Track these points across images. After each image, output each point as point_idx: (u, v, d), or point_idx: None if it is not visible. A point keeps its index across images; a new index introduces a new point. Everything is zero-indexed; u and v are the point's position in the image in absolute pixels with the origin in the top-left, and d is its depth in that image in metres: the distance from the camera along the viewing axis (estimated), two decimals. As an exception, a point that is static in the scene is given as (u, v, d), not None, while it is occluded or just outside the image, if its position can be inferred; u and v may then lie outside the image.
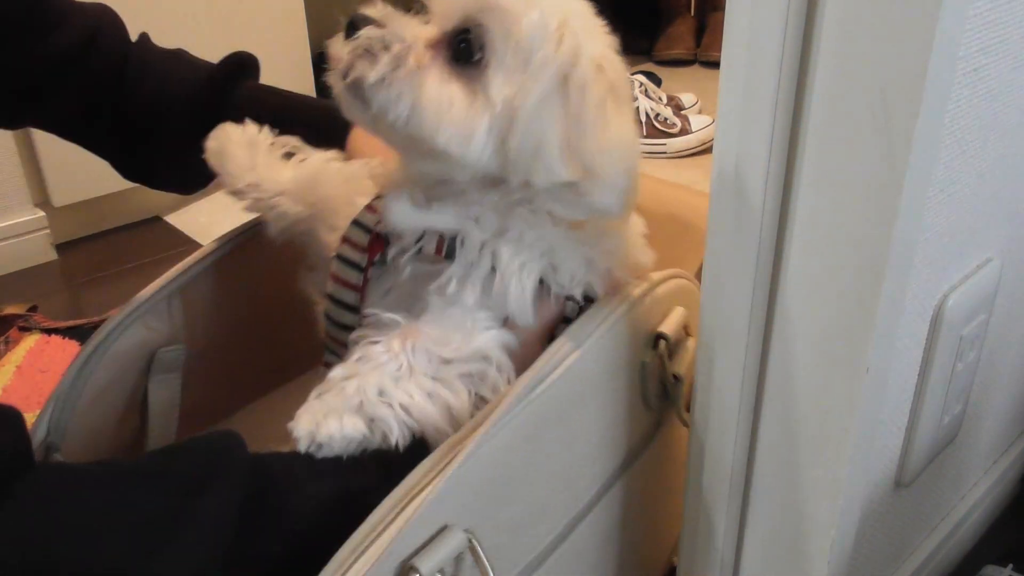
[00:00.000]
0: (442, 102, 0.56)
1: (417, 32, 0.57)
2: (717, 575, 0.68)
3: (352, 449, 0.55)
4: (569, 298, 0.62)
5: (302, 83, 1.82)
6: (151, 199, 1.75)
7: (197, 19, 1.66)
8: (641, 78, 1.91)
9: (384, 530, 0.49)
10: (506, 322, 0.61)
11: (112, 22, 0.81)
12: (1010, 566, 0.81)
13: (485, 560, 0.52)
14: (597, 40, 0.58)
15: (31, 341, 1.29)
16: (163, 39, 0.85)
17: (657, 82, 2.01)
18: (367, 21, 0.57)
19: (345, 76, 0.57)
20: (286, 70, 1.78)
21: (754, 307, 0.57)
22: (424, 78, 0.56)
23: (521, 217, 0.60)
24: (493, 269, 0.59)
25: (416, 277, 0.62)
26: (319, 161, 0.75)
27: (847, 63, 0.48)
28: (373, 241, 0.64)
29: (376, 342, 0.57)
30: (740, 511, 0.65)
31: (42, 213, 1.61)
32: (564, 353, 0.59)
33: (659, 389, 0.68)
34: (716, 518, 0.66)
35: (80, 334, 1.30)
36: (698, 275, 0.64)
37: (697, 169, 1.79)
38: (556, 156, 0.56)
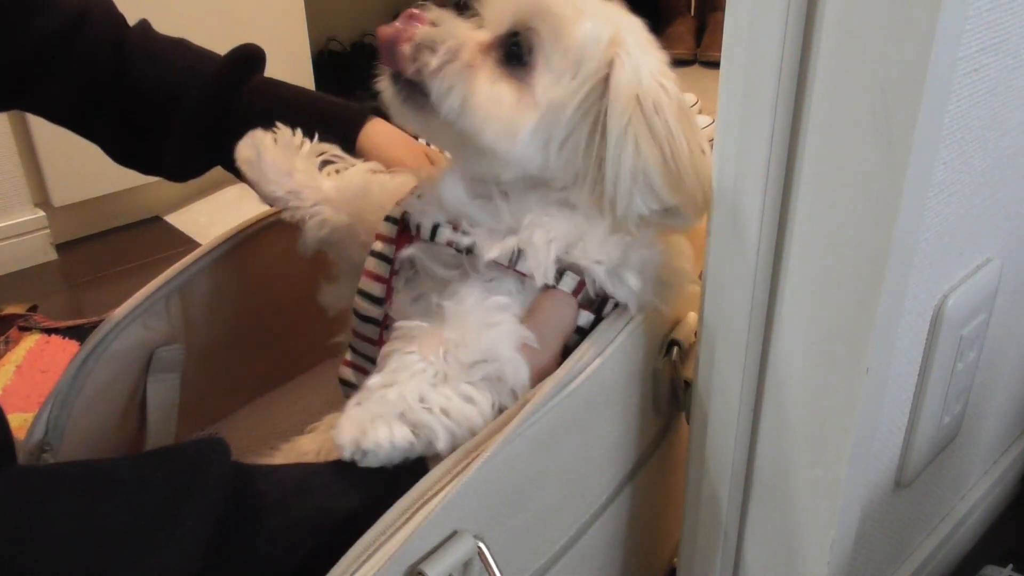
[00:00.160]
0: (491, 99, 0.57)
1: (469, 34, 0.59)
2: (717, 575, 0.68)
3: (396, 458, 0.54)
4: (592, 301, 0.61)
5: (302, 83, 1.82)
6: (151, 199, 1.75)
7: (197, 19, 1.66)
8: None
9: (394, 534, 0.49)
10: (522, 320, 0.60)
11: (103, 8, 0.81)
12: (1010, 566, 0.81)
13: (494, 566, 0.52)
14: (652, 56, 0.59)
15: (31, 341, 1.29)
16: (163, 39, 0.85)
17: (657, 82, 2.01)
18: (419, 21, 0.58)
19: (398, 75, 0.58)
20: (286, 70, 1.77)
21: (754, 307, 0.57)
22: (476, 75, 0.57)
23: (555, 213, 0.60)
24: (516, 259, 0.59)
25: (435, 279, 0.62)
26: (363, 171, 0.75)
27: (847, 63, 0.48)
28: (400, 232, 0.64)
29: (411, 352, 0.57)
30: (740, 511, 0.65)
31: (42, 213, 1.61)
32: (587, 360, 0.58)
33: (670, 395, 0.67)
34: (716, 518, 0.65)
35: (80, 334, 1.30)
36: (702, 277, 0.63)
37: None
38: (660, 182, 0.57)
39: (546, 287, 0.59)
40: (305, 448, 0.70)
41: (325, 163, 0.76)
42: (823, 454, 0.57)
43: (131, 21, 0.84)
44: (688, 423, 0.67)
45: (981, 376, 0.75)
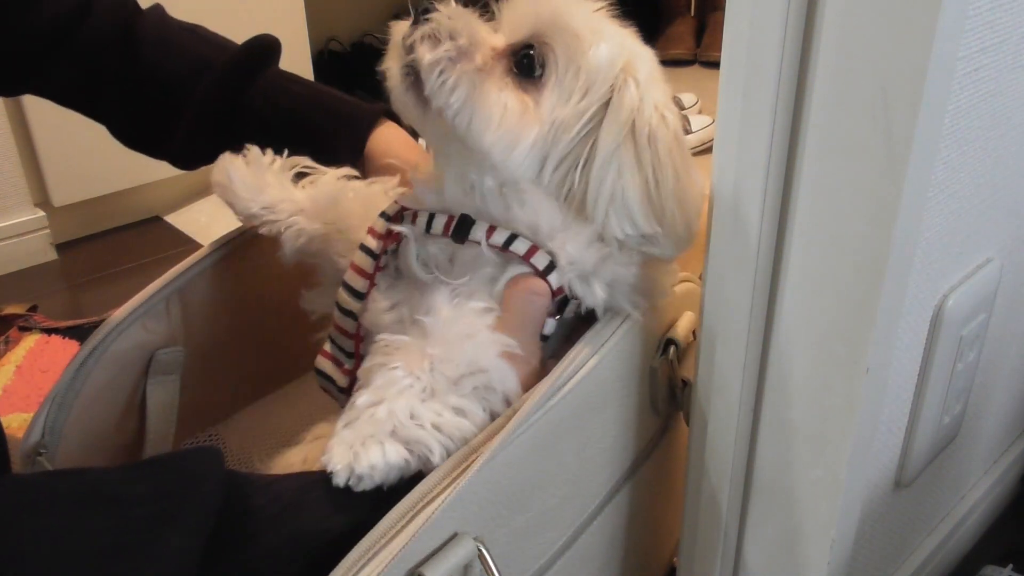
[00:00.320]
0: (497, 105, 0.57)
1: (485, 36, 0.59)
2: (717, 575, 0.68)
3: (393, 478, 0.53)
4: (572, 298, 0.61)
5: (302, 83, 1.82)
6: (151, 199, 1.75)
7: (197, 19, 1.66)
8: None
9: (394, 537, 0.49)
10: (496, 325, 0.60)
11: None
12: (1010, 566, 0.81)
13: (495, 568, 0.52)
14: (659, 88, 0.60)
15: (31, 341, 1.29)
16: (162, 39, 0.85)
17: (657, 82, 2.01)
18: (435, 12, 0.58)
19: (405, 58, 0.58)
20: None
21: (754, 307, 0.57)
22: (485, 78, 0.57)
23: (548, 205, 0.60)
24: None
25: (412, 281, 0.62)
26: (335, 179, 0.75)
27: (847, 63, 0.48)
28: (389, 231, 0.64)
29: (396, 367, 0.57)
30: (740, 511, 0.65)
31: (42, 213, 1.61)
32: (582, 360, 0.58)
33: (667, 394, 0.67)
34: (716, 518, 0.65)
35: (80, 334, 1.30)
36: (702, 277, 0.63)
37: (697, 169, 1.78)
38: (638, 209, 0.57)
39: (515, 278, 0.59)
40: (291, 460, 0.70)
41: (301, 175, 0.76)
42: (823, 454, 0.57)
43: None
44: (687, 423, 0.67)
45: (981, 376, 0.75)
